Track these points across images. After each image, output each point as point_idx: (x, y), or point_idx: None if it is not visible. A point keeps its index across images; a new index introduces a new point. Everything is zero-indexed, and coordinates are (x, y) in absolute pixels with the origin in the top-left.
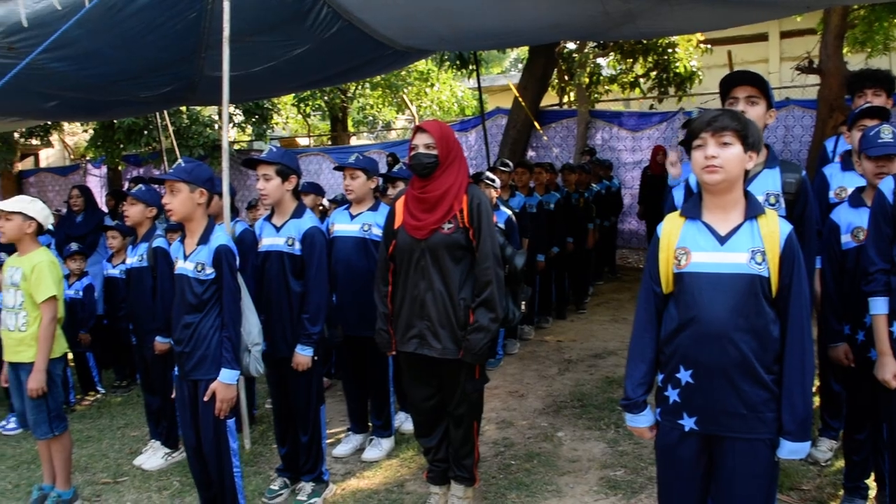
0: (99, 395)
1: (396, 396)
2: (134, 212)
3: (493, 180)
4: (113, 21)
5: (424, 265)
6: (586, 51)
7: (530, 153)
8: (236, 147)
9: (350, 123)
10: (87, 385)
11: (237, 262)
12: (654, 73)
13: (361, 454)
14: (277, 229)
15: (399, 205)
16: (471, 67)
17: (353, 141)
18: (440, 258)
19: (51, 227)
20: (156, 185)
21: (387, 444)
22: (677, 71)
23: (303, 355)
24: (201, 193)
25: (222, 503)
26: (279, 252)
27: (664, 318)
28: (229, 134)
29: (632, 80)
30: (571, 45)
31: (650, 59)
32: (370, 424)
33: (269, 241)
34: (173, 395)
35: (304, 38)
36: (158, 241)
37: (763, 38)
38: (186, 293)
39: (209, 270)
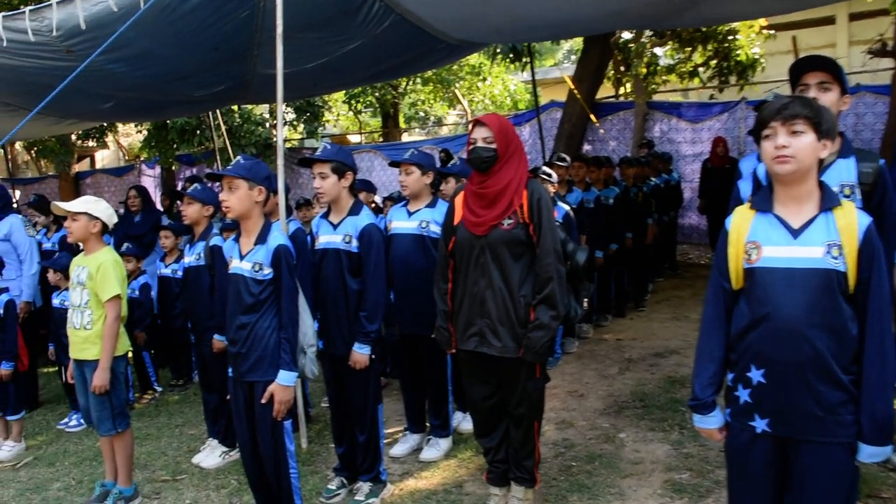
0: (156, 394)
1: (454, 395)
2: (191, 211)
3: (549, 175)
4: (167, 21)
5: (484, 262)
6: (643, 40)
7: (586, 147)
8: (287, 145)
9: (401, 119)
10: (145, 384)
11: (295, 262)
12: (713, 62)
13: (419, 454)
14: (334, 227)
15: (458, 200)
16: (524, 60)
17: (405, 137)
18: (500, 255)
19: None
20: (211, 184)
21: (445, 443)
22: (738, 59)
23: (360, 354)
24: (259, 191)
25: None
26: (336, 250)
27: (734, 314)
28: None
29: (690, 69)
30: (627, 35)
31: (710, 47)
32: (428, 424)
33: (327, 238)
34: (228, 397)
35: (356, 33)
36: (216, 240)
37: (830, 21)
38: (242, 293)
39: (267, 270)
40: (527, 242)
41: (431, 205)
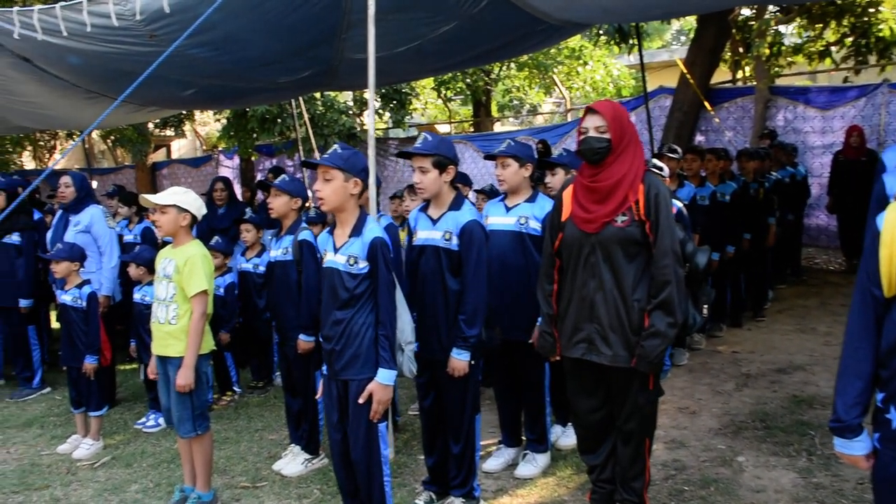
0: (235, 396)
1: (552, 407)
2: (278, 203)
3: (660, 168)
4: (254, 3)
5: (594, 262)
6: (766, 17)
7: (698, 137)
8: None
9: (494, 108)
10: (224, 385)
11: (392, 256)
12: (849, 40)
13: (514, 470)
14: (434, 222)
15: (566, 194)
16: (631, 42)
17: (497, 127)
18: (612, 254)
19: None
20: (300, 174)
21: (542, 459)
22: (880, 35)
23: (459, 360)
24: (356, 183)
25: None
26: (435, 247)
27: (885, 325)
28: (364, 120)
29: (821, 48)
30: (747, 12)
31: (845, 22)
32: (523, 438)
33: (425, 234)
34: (318, 396)
35: (451, 14)
36: (304, 234)
37: None
38: (338, 288)
39: (362, 264)
40: (642, 242)
41: (531, 199)
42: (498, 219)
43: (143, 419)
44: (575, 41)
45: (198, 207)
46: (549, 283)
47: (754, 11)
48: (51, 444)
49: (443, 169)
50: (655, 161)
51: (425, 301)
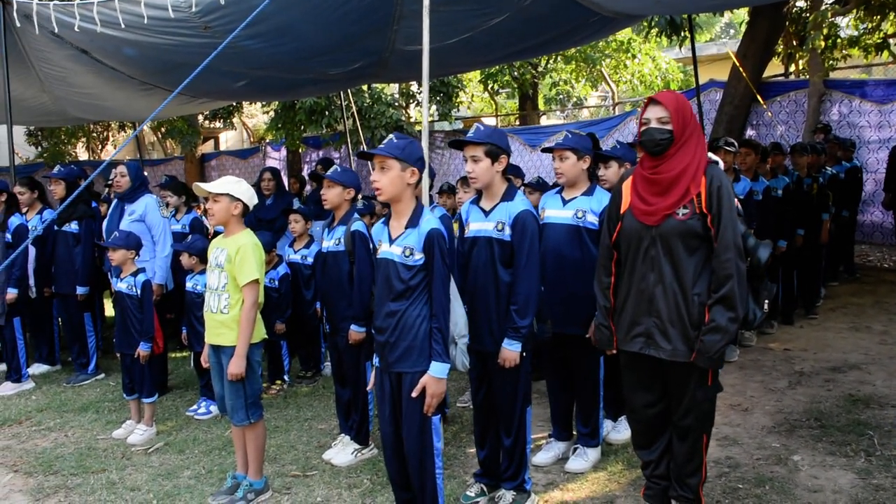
0: (285, 385)
1: (604, 402)
2: (332, 194)
3: (716, 162)
4: None
5: (654, 255)
6: (823, 8)
7: (749, 132)
8: (417, 128)
9: (541, 101)
10: (275, 374)
11: (448, 248)
12: None
13: (564, 464)
14: (486, 213)
15: (626, 186)
16: (683, 34)
17: (543, 120)
18: (673, 248)
19: None
20: (354, 164)
21: (593, 454)
22: None
23: (511, 350)
24: (412, 173)
25: None
26: (488, 238)
27: None
28: (411, 113)
29: (878, 40)
30: (801, 4)
31: None
32: (574, 432)
33: (477, 225)
34: (369, 387)
35: (504, 5)
36: (357, 225)
37: None
38: (392, 279)
39: (418, 256)
40: (703, 235)
41: (588, 192)
42: (555, 212)
43: (195, 406)
44: (624, 34)
45: (250, 197)
46: (606, 276)
47: (809, 3)
48: (106, 428)
49: (495, 158)
50: (711, 154)
51: (477, 293)
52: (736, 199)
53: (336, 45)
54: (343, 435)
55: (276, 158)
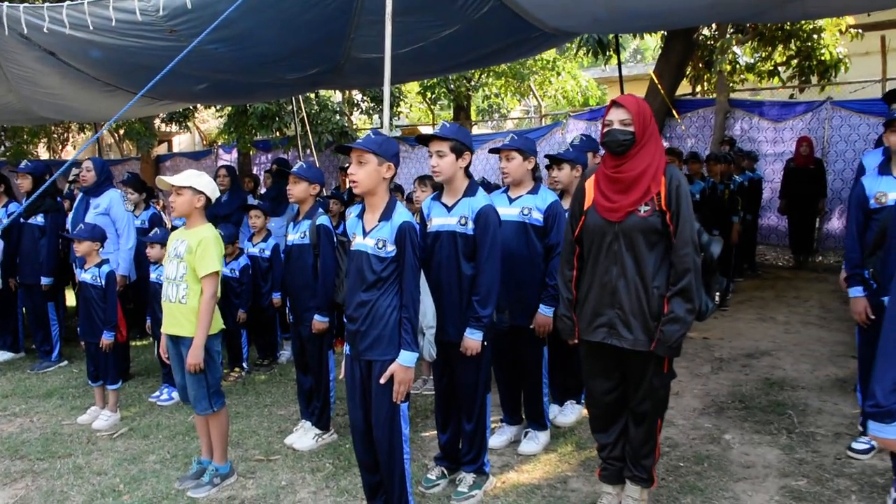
0: (243, 373)
1: (549, 389)
2: (298, 189)
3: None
4: (270, 1)
5: (617, 249)
6: (728, 36)
7: (664, 143)
8: (360, 134)
9: (473, 112)
10: (234, 361)
11: (419, 241)
12: (795, 61)
13: (517, 447)
14: (449, 209)
15: (589, 184)
16: (608, 54)
17: (475, 130)
18: (635, 243)
19: None
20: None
21: (543, 437)
22: (822, 58)
23: (472, 339)
24: (388, 167)
25: (389, 489)
26: (451, 232)
27: None
28: (353, 120)
29: (770, 68)
30: (706, 32)
31: (793, 45)
32: (523, 416)
33: (440, 220)
34: (341, 375)
35: (454, 18)
36: (322, 219)
37: None
38: (365, 270)
39: (390, 248)
40: (662, 231)
41: (533, 191)
42: (502, 210)
43: (157, 393)
44: (549, 54)
45: (212, 190)
46: (569, 269)
47: (716, 31)
48: (71, 414)
49: (459, 154)
50: None
51: (441, 286)
52: None
53: (296, 52)
54: (304, 420)
55: (227, 160)
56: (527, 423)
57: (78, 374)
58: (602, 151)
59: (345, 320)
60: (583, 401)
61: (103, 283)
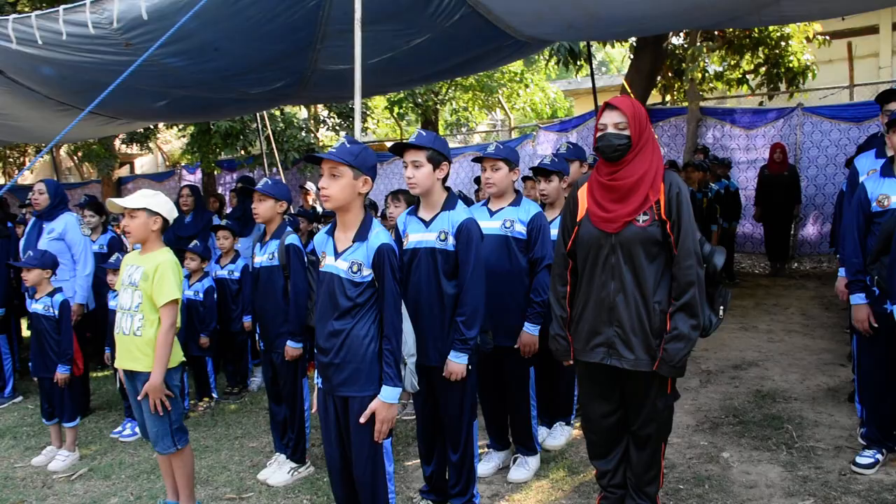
0: (212, 402)
1: (537, 411)
2: (263, 208)
3: None
4: (230, 11)
5: (615, 263)
6: (699, 44)
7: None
8: (326, 151)
9: (441, 126)
10: (202, 390)
11: (399, 264)
12: (763, 69)
13: (506, 474)
14: (426, 223)
15: (581, 193)
16: (579, 63)
17: None
18: (634, 255)
19: None
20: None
21: (533, 462)
22: (790, 65)
23: (457, 363)
24: (365, 182)
25: None
26: (430, 249)
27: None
28: (320, 136)
29: (739, 76)
30: (676, 41)
31: (761, 53)
32: (511, 441)
33: (417, 237)
34: (313, 410)
35: (425, 26)
36: (291, 238)
37: (874, 30)
38: (337, 295)
39: (366, 272)
40: (662, 242)
41: (515, 203)
42: (483, 223)
43: (120, 428)
44: (517, 65)
45: (168, 210)
46: (562, 285)
47: (686, 39)
48: (25, 455)
49: (437, 165)
50: None
51: (420, 307)
52: None
53: (259, 64)
54: (278, 454)
55: (190, 181)
56: (515, 449)
57: (34, 411)
58: (588, 159)
59: (315, 351)
60: (572, 422)
61: (57, 313)
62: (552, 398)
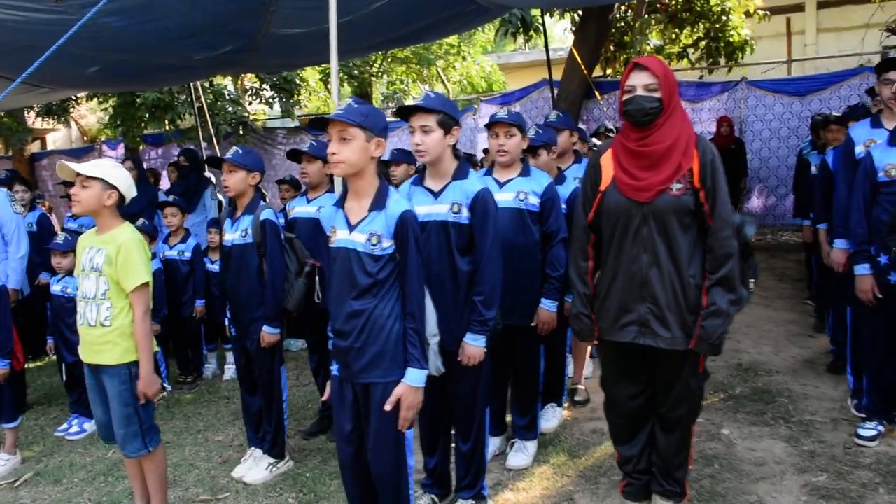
0: (166, 392)
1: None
2: (234, 180)
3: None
4: None
5: (647, 234)
6: (647, 16)
7: (580, 126)
8: (259, 124)
9: (376, 100)
10: None
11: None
12: (703, 43)
13: (503, 460)
14: (435, 195)
15: (605, 160)
16: (530, 35)
17: None
18: (668, 226)
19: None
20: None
21: (532, 447)
22: (730, 40)
23: (474, 346)
24: (378, 144)
25: None
26: (442, 222)
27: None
28: (252, 111)
29: (679, 50)
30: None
31: (701, 27)
32: (507, 426)
33: (425, 209)
34: (324, 397)
35: None
36: (267, 213)
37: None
38: (356, 272)
39: (387, 243)
40: (695, 212)
41: (525, 173)
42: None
43: (65, 426)
44: (453, 39)
45: (128, 187)
46: (584, 260)
47: (633, 12)
48: None
49: (448, 129)
50: (595, 140)
51: (430, 286)
52: None
53: (206, 26)
54: (253, 448)
55: (112, 157)
56: (512, 433)
57: None
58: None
59: (330, 335)
60: (564, 403)
61: None
62: (552, 380)
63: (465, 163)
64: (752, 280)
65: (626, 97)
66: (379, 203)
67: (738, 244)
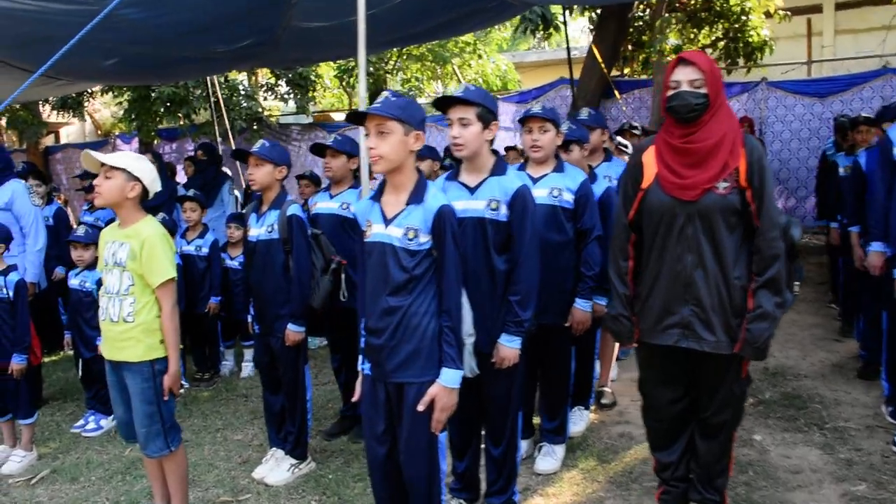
0: (182, 390)
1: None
2: (261, 174)
3: (626, 146)
4: None
5: (692, 234)
6: (667, 15)
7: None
8: (273, 119)
9: None
10: None
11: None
12: (721, 43)
13: (531, 464)
14: (472, 190)
15: (648, 157)
16: (549, 31)
17: None
18: (714, 225)
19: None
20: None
21: (560, 451)
22: (749, 40)
23: (510, 348)
24: (416, 137)
25: None
26: (479, 219)
27: None
28: (266, 105)
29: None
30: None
31: (720, 27)
32: (535, 429)
33: (461, 205)
34: (355, 398)
35: None
36: (293, 209)
37: (818, 10)
38: (391, 268)
39: (424, 238)
40: (741, 212)
41: (559, 169)
42: None
43: (82, 422)
44: (469, 36)
45: (151, 181)
46: (624, 259)
47: (651, 11)
48: None
49: (487, 124)
50: (620, 139)
51: (467, 285)
52: None
53: (226, 19)
54: (274, 449)
55: (127, 151)
56: (540, 436)
57: None
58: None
59: (363, 333)
60: (591, 406)
61: (11, 294)
62: (578, 382)
63: (502, 158)
64: (797, 283)
65: (670, 93)
66: (417, 196)
67: (785, 245)
